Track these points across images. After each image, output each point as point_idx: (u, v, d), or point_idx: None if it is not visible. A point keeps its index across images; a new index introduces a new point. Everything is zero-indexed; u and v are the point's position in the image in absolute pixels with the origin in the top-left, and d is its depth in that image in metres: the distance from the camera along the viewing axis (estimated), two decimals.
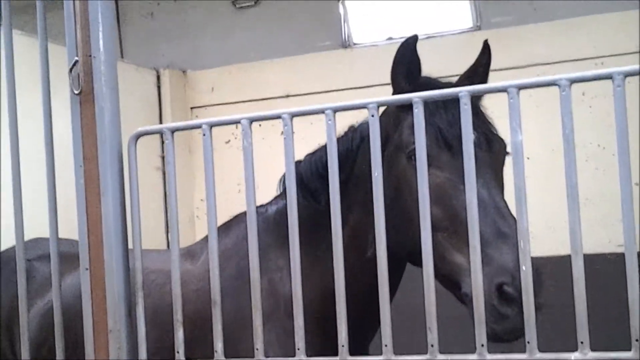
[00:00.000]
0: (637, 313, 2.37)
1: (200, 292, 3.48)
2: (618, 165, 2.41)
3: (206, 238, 3.87)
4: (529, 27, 6.84)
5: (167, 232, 7.36)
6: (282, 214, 3.37)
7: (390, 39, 7.26)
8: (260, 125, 5.89)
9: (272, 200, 3.73)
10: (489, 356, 2.50)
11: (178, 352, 2.84)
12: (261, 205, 3.67)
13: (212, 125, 2.86)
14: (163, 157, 7.11)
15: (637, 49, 6.31)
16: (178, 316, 2.86)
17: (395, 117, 3.13)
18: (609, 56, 6.47)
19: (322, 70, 7.36)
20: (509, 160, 2.81)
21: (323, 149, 3.41)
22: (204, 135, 2.85)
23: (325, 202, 3.28)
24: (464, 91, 2.57)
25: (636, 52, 6.32)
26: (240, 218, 3.71)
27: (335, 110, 2.72)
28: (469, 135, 2.57)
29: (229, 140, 7.44)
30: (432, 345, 2.56)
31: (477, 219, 2.53)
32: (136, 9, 8.25)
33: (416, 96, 2.62)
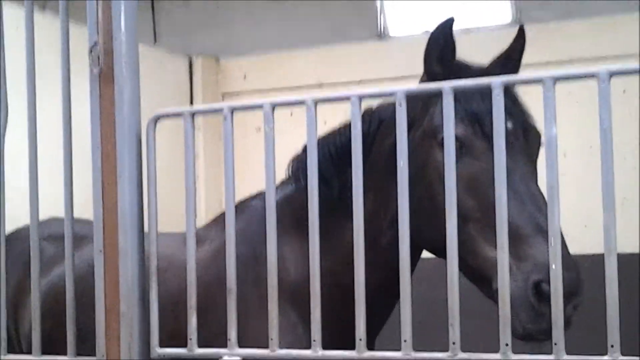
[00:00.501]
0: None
1: (204, 280, 3.35)
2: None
3: (213, 222, 3.80)
4: (569, 23, 6.68)
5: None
6: (289, 200, 3.28)
7: (426, 32, 7.09)
8: (291, 114, 5.81)
9: (277, 186, 3.58)
10: (513, 356, 2.39)
11: (190, 339, 2.76)
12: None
13: (233, 109, 2.77)
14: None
15: None
16: (192, 302, 2.78)
17: (425, 101, 3.00)
18: None
19: (357, 61, 7.26)
20: (542, 154, 2.69)
21: (337, 132, 3.31)
22: (225, 119, 2.77)
23: (338, 189, 3.18)
24: (497, 81, 2.46)
25: None
26: (245, 204, 3.58)
27: (362, 97, 2.63)
28: (501, 127, 2.46)
29: (260, 128, 7.35)
30: (453, 343, 2.45)
31: (506, 215, 2.43)
32: None
33: (447, 85, 2.51)
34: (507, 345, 2.40)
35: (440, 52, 3.00)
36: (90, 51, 2.79)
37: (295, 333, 3.15)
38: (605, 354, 2.30)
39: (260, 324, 2.81)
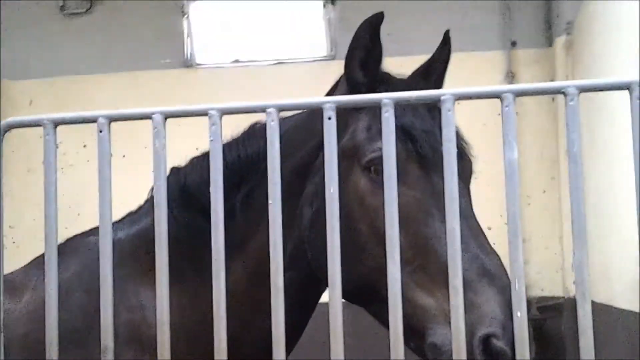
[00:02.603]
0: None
1: (31, 338, 2.70)
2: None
3: (34, 264, 3.13)
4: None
5: None
6: (144, 236, 2.71)
7: (236, 61, 6.71)
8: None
9: (129, 217, 2.99)
10: None
11: None
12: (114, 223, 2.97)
13: (112, 119, 2.21)
14: None
15: None
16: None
17: (343, 116, 2.42)
18: None
19: (161, 89, 6.70)
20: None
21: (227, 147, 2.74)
22: (100, 130, 2.19)
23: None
24: (448, 94, 2.07)
25: None
26: (77, 242, 2.95)
27: (280, 109, 2.16)
28: (452, 148, 2.06)
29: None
30: None
31: (460, 252, 2.03)
32: None
33: (387, 97, 2.09)
34: None
35: (365, 55, 2.51)
36: None
37: None
38: None
39: None
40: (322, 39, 6.62)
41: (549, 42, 6.40)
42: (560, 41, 6.17)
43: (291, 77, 6.47)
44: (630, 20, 4.35)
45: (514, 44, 6.45)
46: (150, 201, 2.89)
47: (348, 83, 2.55)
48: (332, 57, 6.56)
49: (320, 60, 6.60)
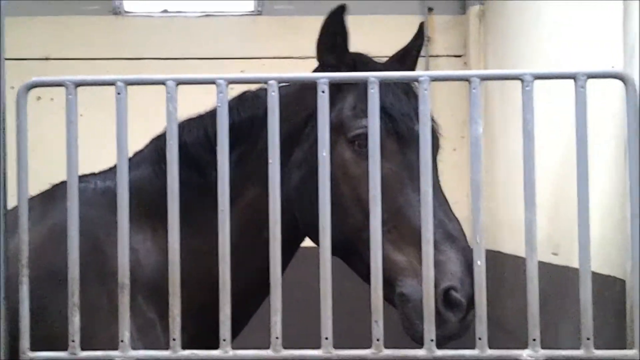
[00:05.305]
0: (588, 312, 2.41)
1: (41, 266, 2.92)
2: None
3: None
4: (309, 18, 6.80)
5: None
6: (140, 185, 2.98)
7: (165, 11, 6.86)
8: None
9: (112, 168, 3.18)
10: (438, 352, 2.41)
11: (73, 341, 2.42)
12: (96, 174, 3.22)
13: (128, 83, 2.47)
14: None
15: None
16: (75, 299, 2.44)
17: (331, 93, 2.80)
18: None
19: (89, 36, 6.77)
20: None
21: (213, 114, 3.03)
22: (118, 93, 2.46)
23: (215, 177, 2.94)
24: (425, 75, 2.45)
25: None
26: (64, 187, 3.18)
27: (280, 82, 2.49)
28: (427, 125, 2.46)
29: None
30: (377, 340, 2.42)
31: (432, 215, 2.43)
32: None
33: (373, 75, 2.45)
34: (432, 340, 2.42)
35: (332, 42, 2.90)
36: None
37: (154, 332, 2.88)
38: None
39: (112, 324, 2.54)
40: None
41: (463, 10, 6.80)
42: (474, 10, 6.59)
43: (219, 30, 6.68)
44: None
45: (430, 9, 6.82)
46: (138, 155, 3.15)
47: (320, 66, 2.93)
48: (258, 13, 6.78)
49: (247, 15, 6.82)
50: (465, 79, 2.46)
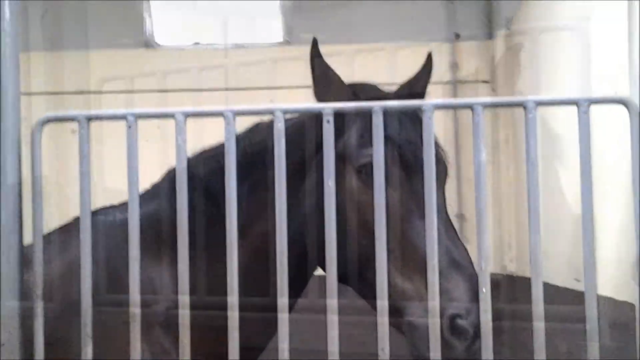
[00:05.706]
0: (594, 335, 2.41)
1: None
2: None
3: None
4: (338, 47, 6.89)
5: None
6: (156, 217, 3.05)
7: (197, 44, 6.98)
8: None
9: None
10: None
11: None
12: (116, 206, 3.28)
13: (138, 117, 2.54)
14: None
15: None
16: (87, 330, 2.49)
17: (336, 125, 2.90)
18: None
19: (121, 69, 6.93)
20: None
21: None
22: (129, 127, 2.53)
23: None
24: (428, 104, 2.48)
25: None
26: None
27: (286, 112, 2.53)
28: (431, 153, 2.49)
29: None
30: None
31: (436, 243, 2.45)
32: None
33: (377, 105, 2.49)
34: None
35: (320, 77, 3.02)
36: None
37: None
38: None
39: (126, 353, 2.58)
40: (278, 24, 6.94)
41: (490, 36, 6.83)
42: (500, 35, 6.61)
43: (249, 61, 6.79)
44: (566, 19, 4.73)
45: (457, 35, 6.86)
46: (152, 189, 3.22)
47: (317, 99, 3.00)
48: (287, 43, 6.87)
49: (276, 45, 6.92)
50: (469, 107, 2.48)
